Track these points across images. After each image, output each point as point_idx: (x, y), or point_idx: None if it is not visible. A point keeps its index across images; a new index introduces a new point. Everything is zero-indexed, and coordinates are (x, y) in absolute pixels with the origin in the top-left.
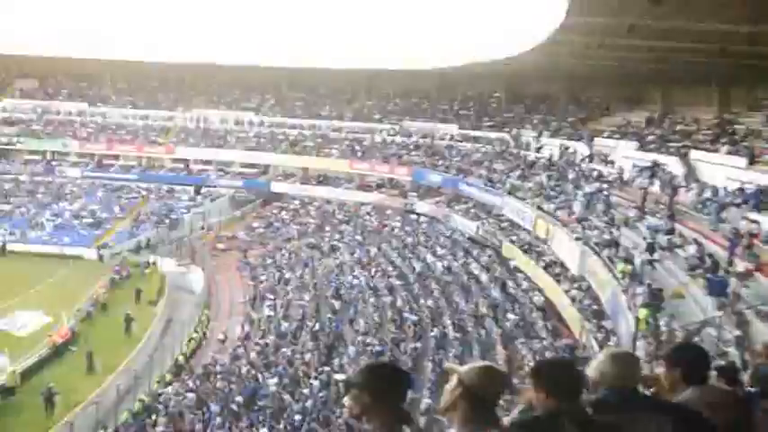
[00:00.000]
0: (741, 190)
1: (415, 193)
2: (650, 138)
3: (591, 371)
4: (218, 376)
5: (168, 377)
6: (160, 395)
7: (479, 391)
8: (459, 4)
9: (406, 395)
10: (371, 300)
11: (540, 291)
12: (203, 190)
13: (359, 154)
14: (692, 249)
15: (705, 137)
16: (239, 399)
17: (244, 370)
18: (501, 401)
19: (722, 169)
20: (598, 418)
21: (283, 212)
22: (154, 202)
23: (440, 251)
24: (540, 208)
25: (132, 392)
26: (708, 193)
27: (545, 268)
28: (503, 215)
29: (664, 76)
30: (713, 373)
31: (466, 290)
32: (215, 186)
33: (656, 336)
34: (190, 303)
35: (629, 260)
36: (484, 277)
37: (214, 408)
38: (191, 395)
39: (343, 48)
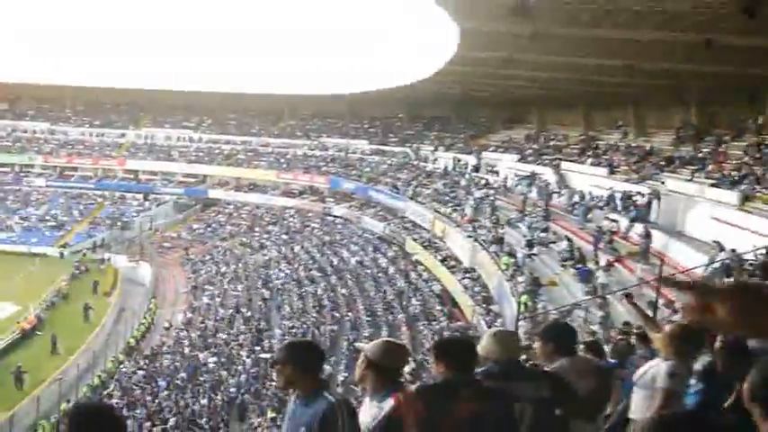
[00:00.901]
0: (611, 197)
1: (331, 199)
2: (528, 151)
3: (480, 348)
4: (165, 356)
5: (122, 357)
6: (115, 372)
7: (382, 364)
8: (369, 40)
9: (322, 367)
10: (295, 290)
11: (438, 280)
12: (151, 197)
13: (283, 166)
14: (563, 245)
15: (573, 151)
16: (183, 375)
17: (186, 350)
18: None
19: (587, 178)
20: (487, 385)
21: (219, 215)
22: (108, 208)
23: (353, 248)
24: (437, 211)
25: (91, 370)
26: (576, 198)
27: (442, 261)
28: (406, 217)
29: (539, 100)
30: (582, 347)
31: (375, 280)
32: (161, 193)
33: (534, 317)
34: (139, 294)
35: (512, 254)
36: (391, 269)
37: (161, 382)
38: (141, 372)
39: (269, 75)
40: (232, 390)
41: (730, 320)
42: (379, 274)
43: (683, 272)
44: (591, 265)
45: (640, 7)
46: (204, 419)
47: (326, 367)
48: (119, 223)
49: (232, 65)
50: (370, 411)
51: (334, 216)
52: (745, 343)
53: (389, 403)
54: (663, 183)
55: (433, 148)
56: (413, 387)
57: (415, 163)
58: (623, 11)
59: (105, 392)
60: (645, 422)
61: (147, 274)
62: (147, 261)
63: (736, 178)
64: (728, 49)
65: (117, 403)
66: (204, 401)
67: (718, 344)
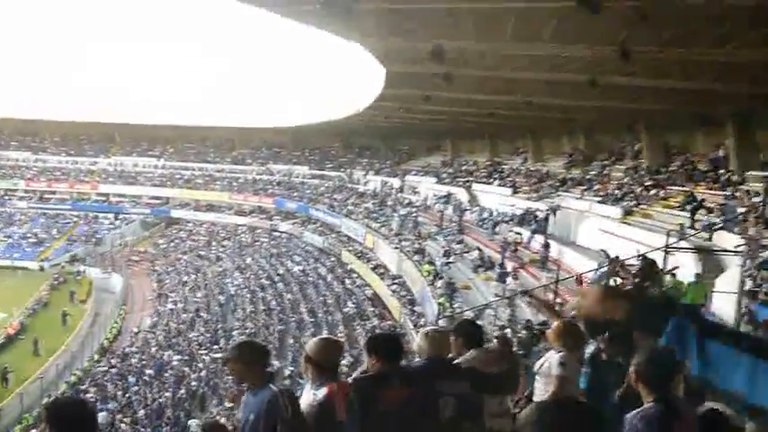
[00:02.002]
0: (526, 212)
1: (277, 217)
2: (444, 175)
3: (415, 345)
4: (134, 355)
5: (96, 357)
6: (90, 371)
7: (318, 358)
8: (309, 81)
9: (268, 362)
10: (247, 296)
11: (370, 286)
12: (120, 216)
13: (236, 188)
14: (475, 254)
15: (482, 174)
16: (150, 372)
17: (153, 350)
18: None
19: (494, 197)
20: (413, 374)
21: (181, 232)
22: (83, 226)
23: (297, 259)
24: (368, 226)
25: (69, 369)
26: (485, 214)
27: (373, 269)
28: (342, 232)
29: (452, 131)
30: (494, 341)
31: (316, 286)
32: (129, 213)
33: (451, 316)
34: (111, 301)
35: (431, 263)
36: (329, 277)
37: (131, 379)
38: (113, 370)
39: (223, 110)
40: (194, 384)
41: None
42: (320, 281)
43: (575, 276)
44: (501, 271)
45: (535, 53)
46: (169, 410)
47: (275, 362)
48: (92, 240)
49: (191, 101)
50: (307, 397)
51: (280, 232)
52: (628, 334)
53: (323, 392)
54: (558, 200)
55: (364, 173)
56: (348, 378)
57: (349, 186)
58: (521, 56)
59: (82, 389)
60: (528, 408)
61: (117, 283)
62: (117, 272)
63: (618, 196)
64: (609, 86)
65: (92, 398)
66: (169, 395)
67: (605, 335)
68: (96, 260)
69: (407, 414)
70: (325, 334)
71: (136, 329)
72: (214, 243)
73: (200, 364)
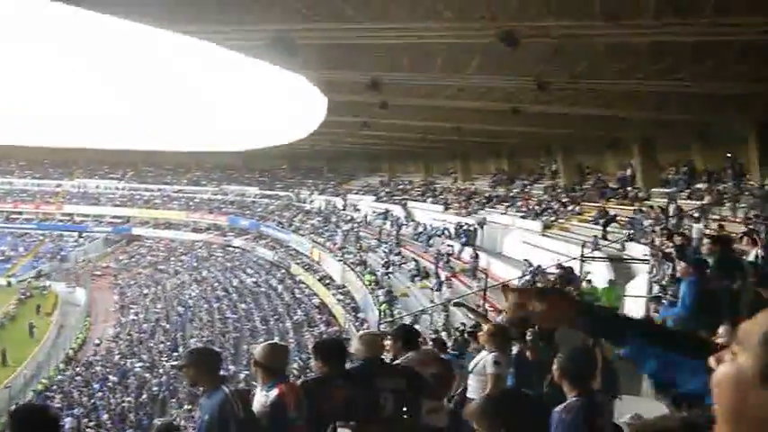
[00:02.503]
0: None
1: (231, 233)
2: (383, 194)
3: (352, 348)
4: (98, 364)
5: (62, 366)
6: (56, 379)
7: (266, 362)
8: (259, 109)
9: (220, 366)
10: (204, 306)
11: (317, 295)
12: (84, 234)
13: (192, 207)
14: (411, 265)
15: (416, 192)
16: (114, 378)
17: (116, 358)
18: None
19: (428, 213)
20: (355, 374)
21: (141, 248)
22: (49, 244)
23: (249, 271)
24: (314, 241)
25: (36, 378)
26: (420, 229)
27: (319, 280)
28: (290, 246)
29: (389, 153)
30: (429, 343)
31: (268, 297)
32: (92, 231)
33: (391, 321)
34: (76, 313)
35: (372, 273)
36: (280, 288)
37: (95, 386)
38: (78, 378)
39: (179, 136)
40: (155, 389)
41: (538, 314)
42: (271, 292)
43: (501, 284)
44: (435, 280)
45: (462, 83)
46: (132, 414)
47: (231, 367)
48: (58, 256)
49: (150, 127)
50: (260, 398)
51: (234, 247)
52: (550, 335)
53: (274, 392)
54: (485, 215)
55: (309, 193)
56: (298, 380)
57: (296, 204)
58: (450, 86)
59: (48, 396)
60: (479, 400)
61: (82, 297)
62: (81, 286)
63: (538, 211)
64: (529, 114)
65: (58, 405)
66: (131, 399)
67: (528, 336)
68: (61, 275)
69: (352, 412)
70: (276, 340)
71: (99, 340)
72: (172, 258)
73: (161, 370)
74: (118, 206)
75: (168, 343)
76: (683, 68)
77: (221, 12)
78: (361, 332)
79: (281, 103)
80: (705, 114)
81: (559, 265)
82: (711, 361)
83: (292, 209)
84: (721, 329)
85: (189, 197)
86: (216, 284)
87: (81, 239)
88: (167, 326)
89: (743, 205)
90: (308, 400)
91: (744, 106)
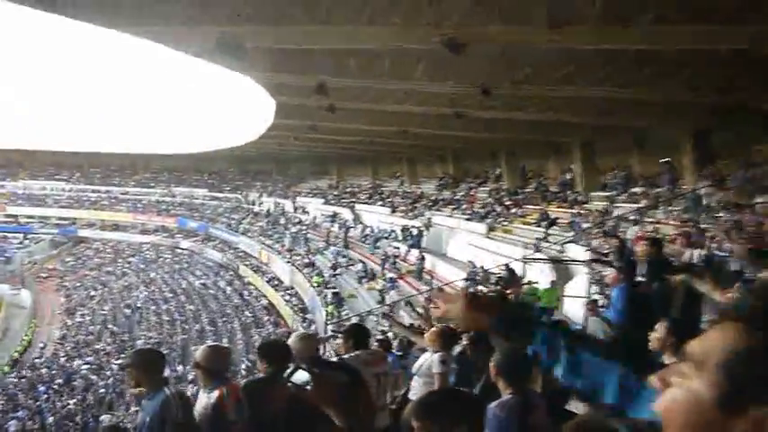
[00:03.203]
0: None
1: (180, 235)
2: (331, 196)
3: (292, 349)
4: (44, 366)
5: (7, 369)
6: (1, 382)
7: (206, 365)
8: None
9: (163, 368)
10: (152, 308)
11: (265, 296)
12: (29, 236)
13: (140, 209)
14: (359, 266)
15: (364, 195)
16: (59, 380)
17: (62, 360)
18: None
19: (375, 216)
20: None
21: (88, 250)
22: None
23: (198, 273)
24: (262, 243)
25: None
26: (367, 231)
27: (268, 282)
28: (239, 248)
29: (337, 157)
30: (375, 343)
31: (216, 298)
32: (38, 233)
33: (338, 322)
34: (22, 316)
35: (320, 275)
36: (228, 289)
37: (41, 388)
38: (24, 380)
39: (128, 137)
40: (101, 390)
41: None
42: (219, 293)
43: (447, 284)
44: (382, 282)
45: (408, 88)
46: (78, 416)
47: (179, 368)
48: (1, 258)
49: (96, 128)
50: (202, 400)
51: (182, 249)
52: (486, 337)
53: (215, 395)
54: (431, 218)
55: (258, 195)
56: (242, 381)
57: (245, 206)
58: (397, 91)
59: None
60: (416, 400)
61: (27, 299)
62: (27, 288)
63: (483, 214)
64: (473, 119)
65: (2, 407)
66: (77, 401)
67: (467, 338)
68: (6, 277)
69: (295, 411)
70: (220, 342)
71: (45, 342)
72: (120, 260)
73: (108, 372)
74: (64, 208)
75: (115, 345)
76: (624, 76)
77: (167, 11)
78: (297, 332)
79: (230, 106)
80: (643, 121)
81: (506, 266)
82: (655, 381)
83: (241, 211)
84: (658, 326)
85: (136, 199)
86: (164, 286)
87: (26, 241)
88: (114, 328)
89: (677, 208)
90: (252, 401)
91: (680, 114)
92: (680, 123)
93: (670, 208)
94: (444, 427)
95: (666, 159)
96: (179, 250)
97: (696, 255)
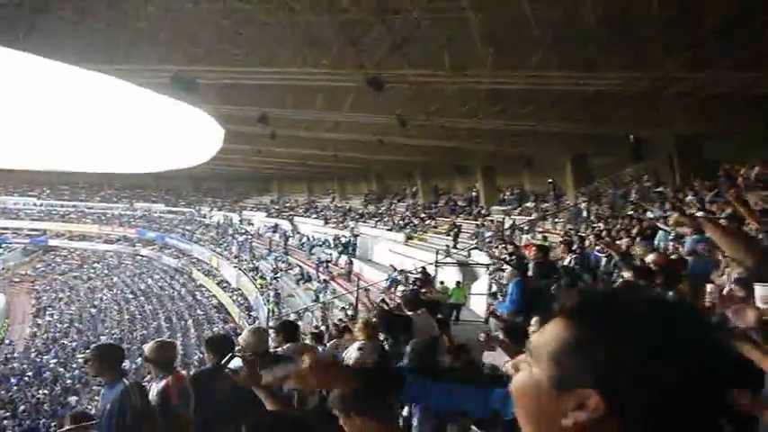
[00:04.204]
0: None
1: (140, 244)
2: (273, 210)
3: (242, 341)
4: (16, 361)
5: None
6: None
7: (153, 358)
8: (167, 137)
9: (122, 360)
10: (115, 308)
11: (216, 297)
12: (3, 245)
13: (104, 221)
14: (297, 270)
15: (301, 209)
16: (30, 373)
17: (33, 355)
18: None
19: (311, 227)
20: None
21: (57, 258)
22: None
23: (156, 277)
24: (213, 250)
25: None
26: (304, 240)
27: (217, 284)
28: (192, 255)
29: (278, 176)
30: (309, 337)
31: (172, 299)
32: (11, 243)
33: (278, 318)
34: None
35: (263, 278)
36: (183, 291)
37: (13, 380)
38: None
39: (95, 158)
40: (68, 381)
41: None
42: (174, 294)
43: (371, 285)
44: (316, 283)
45: (339, 119)
46: (47, 404)
47: (138, 360)
48: None
49: (67, 150)
50: (153, 391)
51: (142, 256)
52: (407, 326)
53: (162, 384)
54: (358, 229)
55: (209, 209)
56: (190, 372)
57: (198, 219)
58: (328, 121)
59: None
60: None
61: (1, 301)
62: (1, 292)
63: (401, 225)
64: (393, 145)
65: None
66: (46, 391)
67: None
68: None
69: (239, 400)
70: (179, 337)
71: (16, 339)
72: (86, 266)
73: (75, 365)
74: (35, 220)
75: (81, 341)
76: (514, 111)
77: (129, 52)
78: (250, 327)
79: (185, 132)
80: (532, 147)
81: (422, 269)
82: (508, 367)
83: (194, 223)
84: (533, 320)
85: (101, 213)
86: (125, 289)
87: (0, 250)
88: (80, 326)
89: (561, 220)
90: (198, 390)
91: (561, 141)
92: (561, 149)
93: (555, 219)
94: (356, 413)
95: (551, 179)
96: (139, 257)
97: (574, 258)
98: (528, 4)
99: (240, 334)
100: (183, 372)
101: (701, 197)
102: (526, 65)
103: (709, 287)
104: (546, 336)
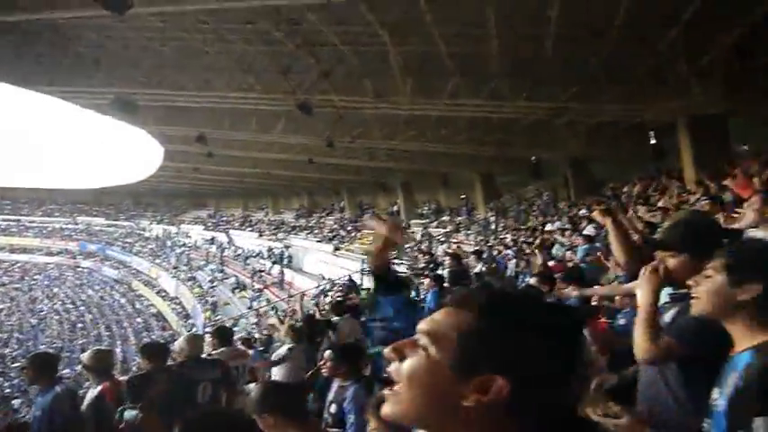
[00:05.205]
0: (268, 250)
1: (81, 256)
2: (210, 224)
3: (177, 347)
4: None
5: None
6: None
7: (91, 365)
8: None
9: (56, 368)
10: (56, 317)
11: (155, 306)
12: None
13: (46, 235)
14: (232, 280)
15: (237, 223)
16: None
17: None
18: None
19: (246, 239)
20: (176, 369)
21: None
22: None
23: (96, 288)
24: (152, 262)
25: None
26: (239, 251)
27: (157, 293)
28: (132, 266)
29: (216, 192)
30: (239, 341)
31: (112, 308)
32: None
33: (214, 325)
34: None
35: (200, 287)
36: (123, 300)
37: None
38: None
39: (34, 174)
40: (7, 390)
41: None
42: (114, 304)
43: (302, 292)
44: (251, 292)
45: (271, 140)
46: None
47: (77, 368)
48: None
49: (9, 166)
50: (90, 396)
51: (83, 267)
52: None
53: (98, 389)
54: (290, 241)
55: (149, 223)
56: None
57: (138, 232)
58: (262, 142)
59: None
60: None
61: None
62: None
63: (330, 237)
64: (322, 164)
65: None
66: None
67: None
68: None
69: (173, 402)
70: (119, 345)
71: None
72: (27, 278)
73: (12, 374)
74: None
75: (21, 350)
76: (430, 134)
77: (71, 76)
78: (185, 334)
79: (126, 150)
80: (445, 167)
81: (349, 277)
82: (388, 353)
83: (134, 236)
84: None
85: (43, 226)
86: (66, 299)
87: None
88: (21, 336)
89: (472, 232)
90: (134, 394)
91: (472, 162)
92: (472, 168)
93: (468, 231)
94: (270, 413)
95: (464, 195)
96: (80, 269)
97: (484, 266)
98: (441, 40)
99: (175, 340)
100: (121, 378)
101: (591, 212)
102: (440, 94)
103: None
104: (450, 323)
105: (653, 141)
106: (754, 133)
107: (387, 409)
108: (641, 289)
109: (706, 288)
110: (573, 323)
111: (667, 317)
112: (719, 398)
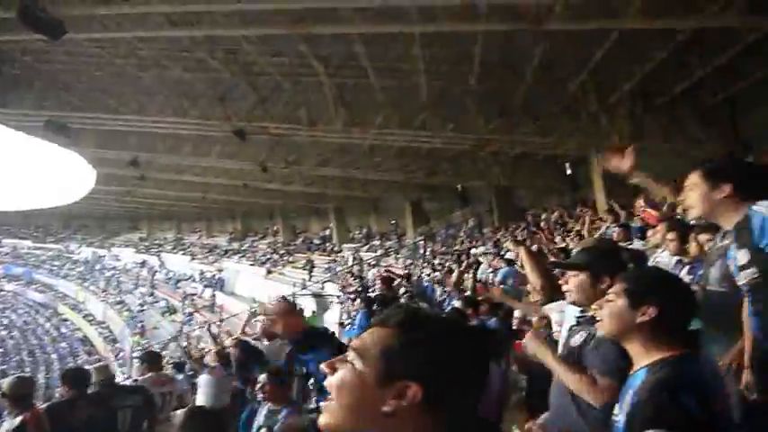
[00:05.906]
0: (200, 273)
1: (5, 280)
2: (141, 247)
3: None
4: None
5: None
6: None
7: (10, 393)
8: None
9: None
10: None
11: (81, 330)
12: None
13: None
14: (163, 303)
15: (170, 246)
16: None
17: None
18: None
19: (178, 262)
20: (95, 396)
21: None
22: None
23: (20, 312)
24: (80, 285)
25: None
26: (171, 275)
27: (84, 317)
28: (59, 290)
29: (148, 215)
30: (170, 365)
31: (35, 333)
32: None
33: (143, 350)
34: None
35: (129, 311)
36: (47, 325)
37: None
38: None
39: None
40: None
41: None
42: (38, 328)
43: (233, 315)
44: (182, 315)
45: (207, 165)
46: None
47: None
48: None
49: None
50: (7, 426)
51: (6, 291)
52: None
53: (18, 420)
54: (223, 264)
55: (78, 245)
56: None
57: (66, 255)
58: (197, 166)
59: None
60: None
61: None
62: None
63: (263, 261)
64: (256, 189)
65: None
66: None
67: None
68: None
69: (94, 427)
70: (42, 370)
71: None
72: None
73: None
74: None
75: None
76: (361, 162)
77: (3, 97)
78: (96, 364)
79: (57, 172)
80: (377, 192)
81: (283, 297)
82: (323, 367)
83: (62, 259)
84: None
85: None
86: None
87: None
88: None
89: (402, 256)
90: (54, 421)
91: (401, 188)
92: (401, 195)
93: (397, 255)
94: None
95: (394, 221)
96: (2, 292)
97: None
98: (372, 73)
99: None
100: (42, 407)
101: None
102: (372, 124)
103: (516, 313)
104: (374, 340)
105: (569, 172)
106: (658, 165)
107: (321, 420)
108: (539, 354)
109: (609, 311)
110: (479, 337)
111: (576, 339)
112: (620, 414)
